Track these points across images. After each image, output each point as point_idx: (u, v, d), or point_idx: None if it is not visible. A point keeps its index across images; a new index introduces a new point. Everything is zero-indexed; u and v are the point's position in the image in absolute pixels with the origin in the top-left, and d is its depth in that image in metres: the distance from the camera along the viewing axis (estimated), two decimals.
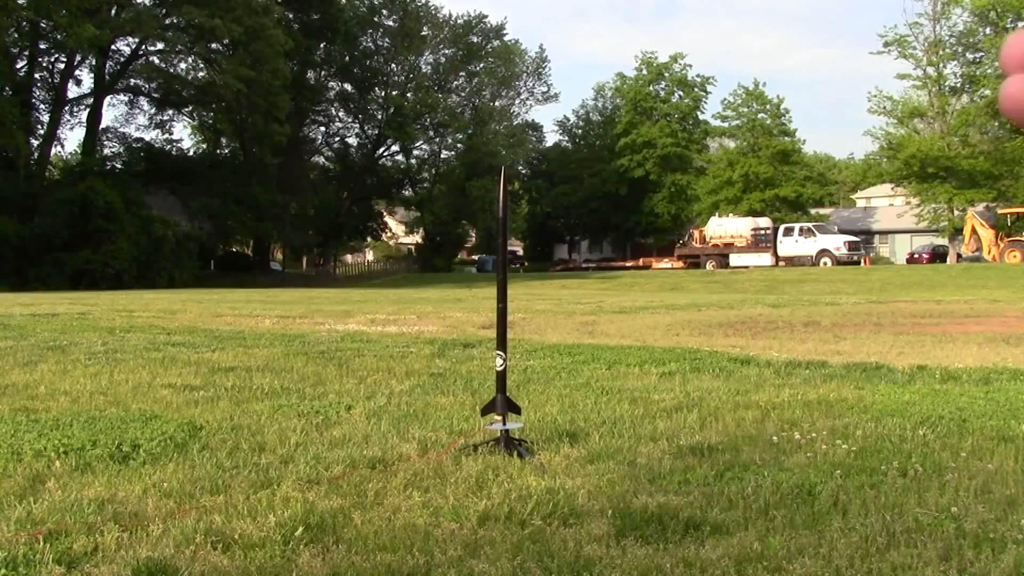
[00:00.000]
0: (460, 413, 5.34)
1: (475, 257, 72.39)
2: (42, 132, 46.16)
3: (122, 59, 47.89)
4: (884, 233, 62.54)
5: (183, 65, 51.08)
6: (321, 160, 66.22)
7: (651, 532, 3.05)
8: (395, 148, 64.91)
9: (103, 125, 50.55)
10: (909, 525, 3.06)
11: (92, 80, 47.96)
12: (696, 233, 54.19)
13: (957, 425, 4.78)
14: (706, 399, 5.76)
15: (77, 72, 48.20)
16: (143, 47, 46.92)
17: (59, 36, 42.33)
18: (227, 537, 3.00)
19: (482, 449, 4.22)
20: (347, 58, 60.43)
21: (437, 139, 65.72)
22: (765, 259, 47.84)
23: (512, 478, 3.75)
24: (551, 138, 78.30)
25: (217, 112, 50.73)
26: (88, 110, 48.34)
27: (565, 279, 44.47)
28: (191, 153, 58.04)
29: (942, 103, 51.51)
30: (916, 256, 54.13)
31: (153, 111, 52.22)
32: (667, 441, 4.49)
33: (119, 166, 49.75)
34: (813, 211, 57.71)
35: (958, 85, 51.92)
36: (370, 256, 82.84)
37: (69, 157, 53.76)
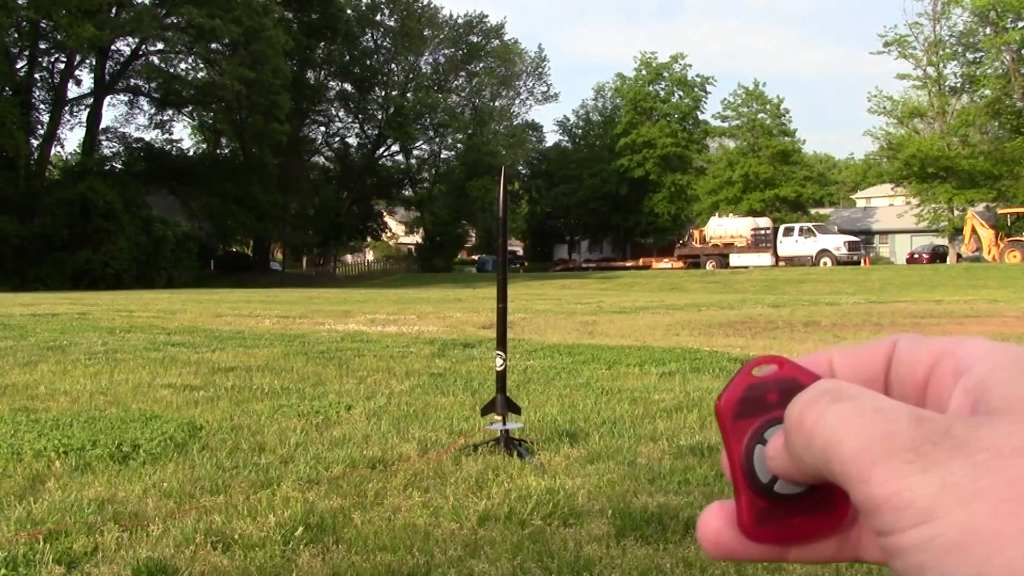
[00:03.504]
0: (460, 413, 5.34)
1: (475, 257, 72.38)
2: (42, 132, 46.17)
3: (122, 59, 47.92)
4: (884, 233, 62.54)
5: (183, 65, 51.10)
6: (321, 160, 66.24)
7: (651, 532, 3.05)
8: (395, 148, 64.93)
9: (103, 125, 50.61)
10: None
11: (92, 80, 48.00)
12: (696, 233, 54.17)
13: None
14: (706, 399, 5.76)
15: (77, 72, 48.26)
16: (143, 47, 46.93)
17: (59, 36, 42.32)
18: (227, 537, 3.00)
19: (482, 449, 4.22)
20: (347, 58, 60.44)
21: (437, 139, 65.72)
22: (765, 259, 47.85)
23: (512, 478, 3.75)
24: (551, 138, 78.42)
25: (217, 112, 50.73)
26: (88, 110, 48.38)
27: (565, 279, 44.48)
28: (191, 153, 58.03)
29: (942, 103, 51.51)
30: (916, 256, 54.13)
31: (153, 111, 52.25)
32: (667, 441, 4.50)
33: (119, 166, 49.73)
34: (813, 211, 57.71)
35: (958, 85, 51.92)
36: (370, 256, 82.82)
37: (69, 157, 53.77)
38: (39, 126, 46.33)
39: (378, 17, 61.53)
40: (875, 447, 0.27)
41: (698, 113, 64.52)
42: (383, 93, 62.94)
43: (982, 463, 0.26)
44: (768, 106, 57.38)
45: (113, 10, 43.44)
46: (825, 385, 0.30)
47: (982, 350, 0.29)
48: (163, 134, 54.39)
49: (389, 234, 72.46)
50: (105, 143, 51.25)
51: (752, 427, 0.33)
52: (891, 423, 0.27)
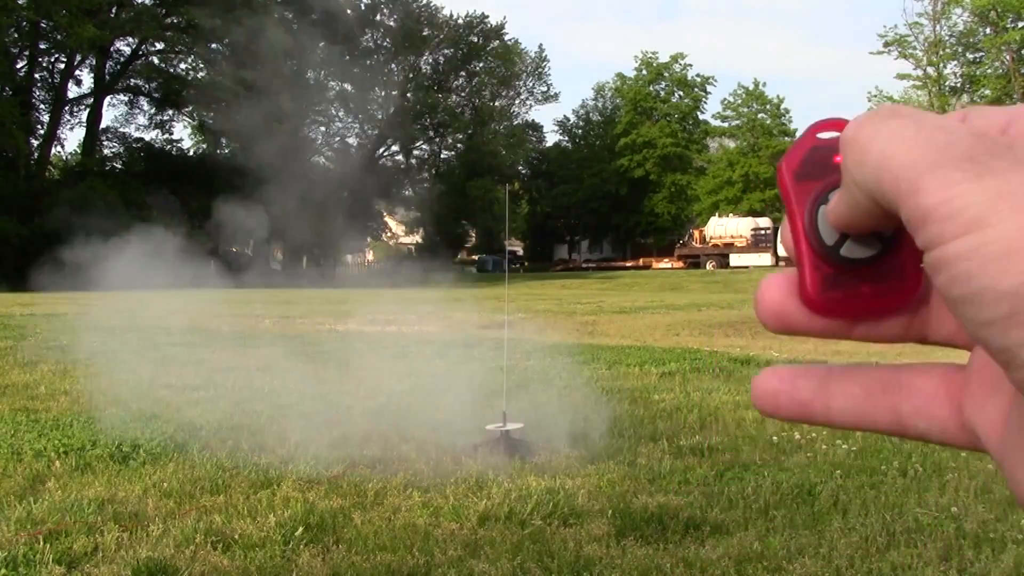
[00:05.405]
0: (460, 413, 5.34)
1: (475, 257, 72.36)
2: (42, 132, 46.15)
3: (122, 59, 47.91)
4: None
5: (183, 65, 51.09)
6: (321, 160, 66.23)
7: (651, 532, 3.05)
8: (395, 148, 64.97)
9: (103, 125, 50.53)
10: (909, 525, 3.06)
11: (92, 80, 47.98)
12: (696, 233, 54.21)
13: None
14: (706, 399, 5.76)
15: (77, 72, 48.23)
16: (143, 47, 46.94)
17: (59, 36, 42.34)
18: (227, 537, 3.00)
19: (482, 449, 4.22)
20: (347, 58, 60.45)
21: (437, 139, 65.73)
22: (765, 259, 47.87)
23: (512, 478, 3.75)
24: (551, 138, 78.29)
25: (217, 112, 50.74)
26: (88, 110, 48.35)
27: (565, 279, 44.46)
28: (191, 153, 58.03)
29: (942, 103, 51.49)
30: None
31: (153, 111, 52.22)
32: (667, 441, 4.50)
33: (119, 166, 49.72)
34: None
35: (958, 85, 51.92)
36: (370, 256, 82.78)
37: (69, 157, 53.75)
38: (39, 126, 46.31)
39: (378, 17, 61.56)
40: (929, 156, 0.25)
41: (698, 113, 64.55)
42: (383, 93, 62.95)
43: None
44: (768, 106, 57.42)
45: (113, 10, 43.45)
46: (885, 106, 0.28)
47: None
48: (163, 134, 54.32)
49: (389, 234, 72.44)
50: (105, 143, 51.25)
51: (816, 188, 0.31)
52: (950, 135, 0.26)
